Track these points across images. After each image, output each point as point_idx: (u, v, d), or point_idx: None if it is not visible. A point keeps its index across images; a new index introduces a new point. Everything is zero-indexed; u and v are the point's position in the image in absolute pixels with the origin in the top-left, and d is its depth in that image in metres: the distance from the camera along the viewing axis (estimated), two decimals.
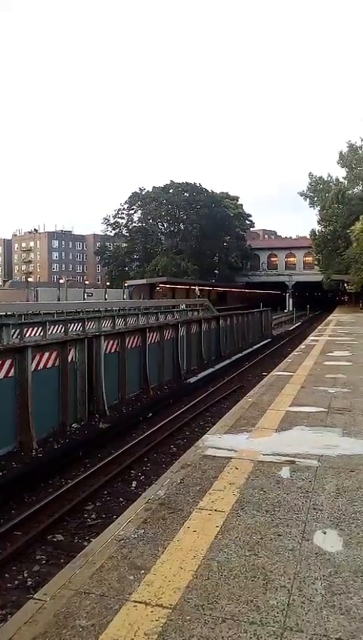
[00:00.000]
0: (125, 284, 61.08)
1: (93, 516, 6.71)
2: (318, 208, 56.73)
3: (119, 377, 13.18)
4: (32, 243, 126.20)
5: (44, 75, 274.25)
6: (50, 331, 19.09)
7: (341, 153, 57.15)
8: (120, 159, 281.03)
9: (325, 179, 58.98)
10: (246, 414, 7.18)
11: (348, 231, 45.30)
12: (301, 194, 60.39)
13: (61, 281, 67.53)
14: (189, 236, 70.16)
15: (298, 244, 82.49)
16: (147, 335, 14.90)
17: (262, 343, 28.22)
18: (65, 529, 6.33)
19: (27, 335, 17.82)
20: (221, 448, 5.50)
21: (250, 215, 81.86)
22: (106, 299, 50.76)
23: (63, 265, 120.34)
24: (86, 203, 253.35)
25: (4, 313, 22.87)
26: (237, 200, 78.76)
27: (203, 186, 73.28)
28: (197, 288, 57.95)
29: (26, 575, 5.27)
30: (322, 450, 5.42)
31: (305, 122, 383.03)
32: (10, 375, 9.32)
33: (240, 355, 22.99)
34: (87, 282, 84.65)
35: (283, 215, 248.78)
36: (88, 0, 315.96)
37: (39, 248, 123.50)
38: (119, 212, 74.88)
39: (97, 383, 11.79)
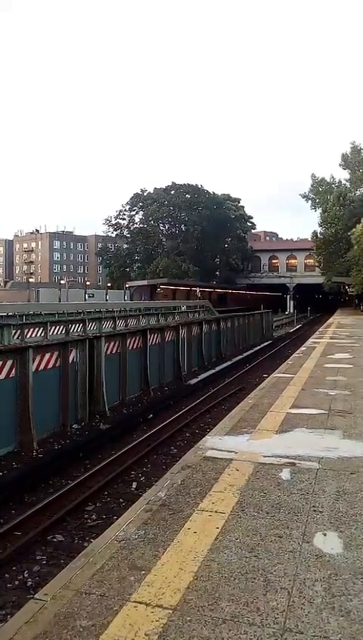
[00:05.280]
0: (126, 285, 61.06)
1: (93, 517, 6.70)
2: (320, 210, 56.72)
3: (119, 378, 13.18)
4: (33, 244, 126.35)
5: (46, 75, 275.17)
6: (51, 332, 19.07)
7: (343, 154, 57.25)
8: (122, 160, 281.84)
9: (327, 181, 59.04)
10: (246, 416, 7.19)
11: (349, 233, 45.32)
12: (303, 196, 60.53)
13: (62, 282, 67.67)
14: (190, 237, 70.13)
15: (299, 246, 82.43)
16: (148, 336, 14.90)
17: (262, 345, 28.23)
18: (65, 529, 6.33)
19: (28, 336, 17.81)
20: (221, 450, 5.50)
21: (251, 217, 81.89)
22: (107, 300, 50.80)
23: (65, 266, 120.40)
24: (88, 204, 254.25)
25: (5, 313, 22.81)
26: (239, 202, 78.72)
27: (205, 188, 73.44)
28: (197, 290, 57.95)
29: (26, 575, 5.27)
30: (322, 452, 5.42)
31: (307, 124, 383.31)
32: (11, 376, 9.33)
33: (241, 356, 23.00)
34: (88, 283, 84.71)
35: (285, 218, 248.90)
36: (89, 0, 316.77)
37: (40, 249, 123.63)
38: (121, 214, 75.00)
39: (98, 384, 11.79)
